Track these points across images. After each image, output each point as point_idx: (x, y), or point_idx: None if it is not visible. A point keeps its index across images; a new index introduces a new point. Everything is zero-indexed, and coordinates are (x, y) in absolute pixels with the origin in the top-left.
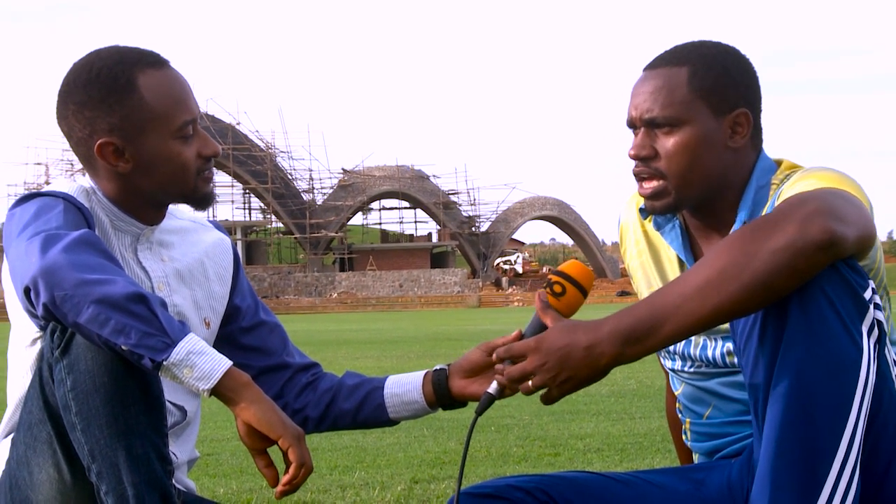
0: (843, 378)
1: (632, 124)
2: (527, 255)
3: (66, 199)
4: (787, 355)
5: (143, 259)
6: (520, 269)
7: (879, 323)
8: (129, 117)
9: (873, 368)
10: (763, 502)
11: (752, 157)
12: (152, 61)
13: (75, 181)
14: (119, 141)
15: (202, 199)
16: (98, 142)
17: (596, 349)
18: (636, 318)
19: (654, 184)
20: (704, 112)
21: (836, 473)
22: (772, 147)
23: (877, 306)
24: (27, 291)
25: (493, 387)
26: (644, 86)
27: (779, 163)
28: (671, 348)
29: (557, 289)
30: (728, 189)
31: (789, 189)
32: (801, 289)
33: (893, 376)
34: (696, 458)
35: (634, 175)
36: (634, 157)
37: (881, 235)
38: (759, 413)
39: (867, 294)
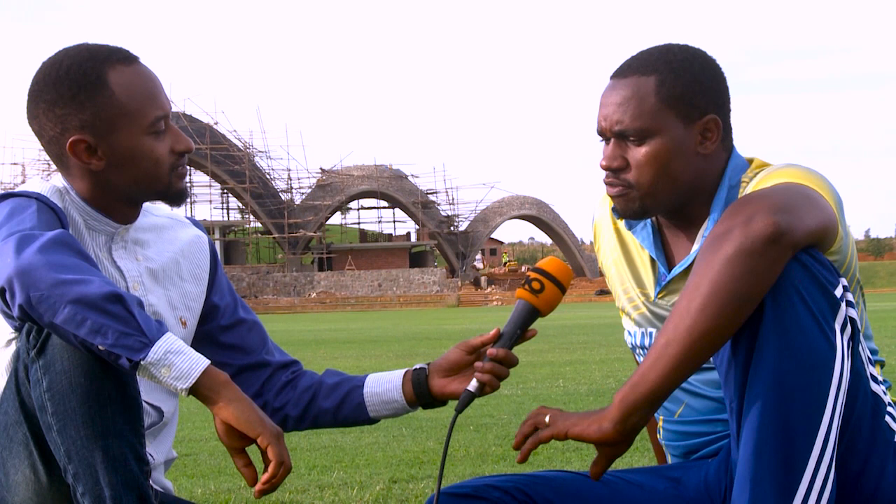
0: (817, 375)
1: (602, 133)
2: (479, 257)
3: (39, 199)
4: (763, 353)
5: (117, 258)
6: (479, 266)
7: (852, 320)
8: (101, 114)
9: (847, 365)
10: (744, 499)
11: (722, 158)
12: (122, 58)
13: (49, 181)
14: (91, 138)
15: (176, 196)
16: (70, 139)
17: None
18: (630, 381)
19: (623, 193)
20: (674, 121)
21: (812, 470)
22: (750, 146)
23: (849, 303)
24: (2, 293)
25: (472, 385)
26: (612, 96)
27: (750, 161)
28: (646, 343)
29: (536, 286)
30: (699, 192)
31: (753, 189)
32: (775, 287)
33: (868, 374)
34: (669, 458)
35: (605, 184)
36: (606, 168)
37: (858, 234)
38: (736, 410)
39: (838, 291)
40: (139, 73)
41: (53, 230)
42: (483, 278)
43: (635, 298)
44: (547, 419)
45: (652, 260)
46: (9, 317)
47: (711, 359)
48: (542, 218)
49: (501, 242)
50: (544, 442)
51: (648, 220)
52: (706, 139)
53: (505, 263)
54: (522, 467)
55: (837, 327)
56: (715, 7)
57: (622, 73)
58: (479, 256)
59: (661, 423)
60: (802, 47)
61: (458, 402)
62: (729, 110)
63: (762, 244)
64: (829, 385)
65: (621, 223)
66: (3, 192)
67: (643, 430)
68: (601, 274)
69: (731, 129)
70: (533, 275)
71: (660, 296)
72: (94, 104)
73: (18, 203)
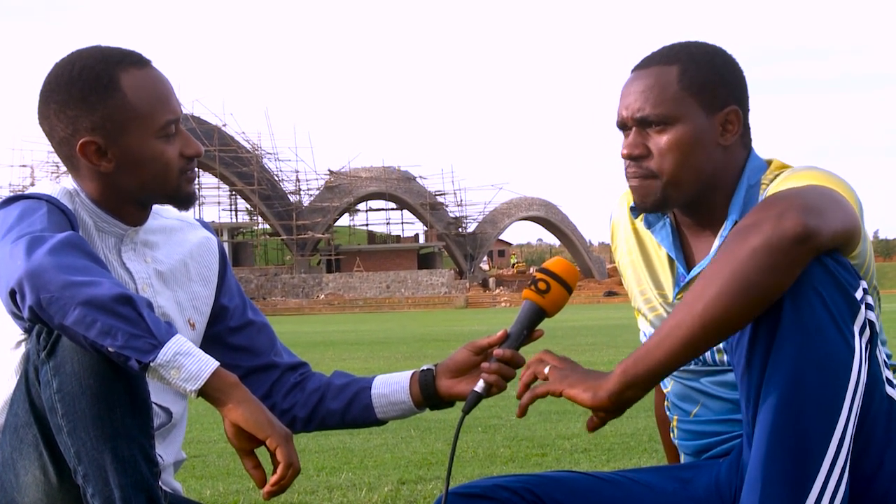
0: (834, 378)
1: (622, 125)
2: (484, 259)
3: (49, 201)
4: (780, 353)
5: (127, 260)
6: (485, 267)
7: (871, 323)
8: (112, 116)
9: (864, 369)
10: (754, 500)
11: (742, 155)
12: (135, 60)
13: (59, 183)
14: (101, 140)
15: (185, 199)
16: (80, 141)
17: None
18: (634, 355)
19: (644, 182)
20: (696, 109)
21: (825, 473)
22: (761, 145)
23: (868, 306)
24: (13, 294)
25: (479, 385)
26: (634, 85)
27: (769, 162)
28: None
29: (542, 286)
30: (718, 188)
31: (775, 189)
32: (794, 288)
33: (884, 377)
34: (682, 457)
35: (626, 174)
36: (627, 157)
37: (868, 234)
38: (751, 411)
39: (858, 294)
40: (151, 77)
41: (64, 232)
42: (491, 280)
43: (653, 299)
44: (546, 371)
45: (670, 260)
46: (19, 318)
47: (727, 359)
48: (550, 219)
49: (510, 244)
50: (540, 397)
51: (668, 221)
52: (727, 130)
53: (513, 265)
54: (531, 468)
55: (856, 330)
56: (722, 7)
57: (644, 64)
58: (484, 258)
59: (675, 423)
60: (809, 47)
61: (466, 402)
62: (748, 108)
63: (789, 242)
64: (846, 388)
65: (640, 223)
66: (13, 194)
67: (654, 433)
68: (610, 275)
69: (750, 127)
70: (539, 275)
71: (678, 297)
72: (105, 106)
73: (29, 205)
